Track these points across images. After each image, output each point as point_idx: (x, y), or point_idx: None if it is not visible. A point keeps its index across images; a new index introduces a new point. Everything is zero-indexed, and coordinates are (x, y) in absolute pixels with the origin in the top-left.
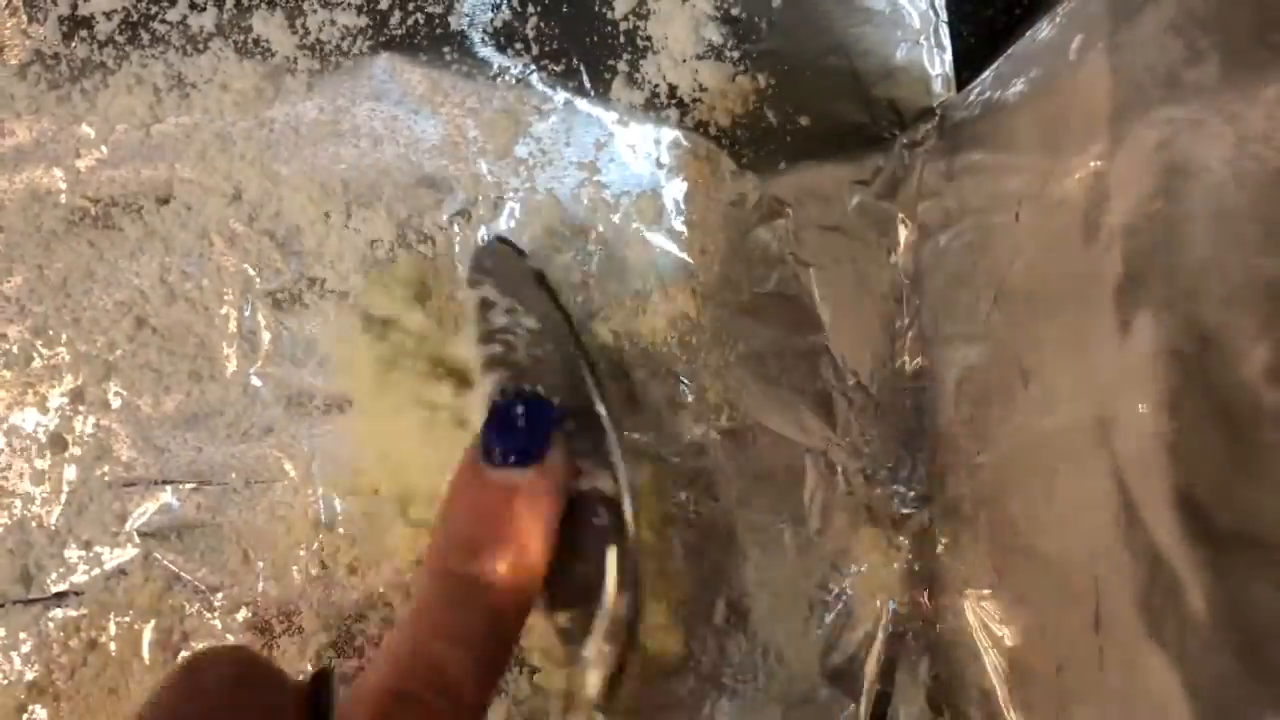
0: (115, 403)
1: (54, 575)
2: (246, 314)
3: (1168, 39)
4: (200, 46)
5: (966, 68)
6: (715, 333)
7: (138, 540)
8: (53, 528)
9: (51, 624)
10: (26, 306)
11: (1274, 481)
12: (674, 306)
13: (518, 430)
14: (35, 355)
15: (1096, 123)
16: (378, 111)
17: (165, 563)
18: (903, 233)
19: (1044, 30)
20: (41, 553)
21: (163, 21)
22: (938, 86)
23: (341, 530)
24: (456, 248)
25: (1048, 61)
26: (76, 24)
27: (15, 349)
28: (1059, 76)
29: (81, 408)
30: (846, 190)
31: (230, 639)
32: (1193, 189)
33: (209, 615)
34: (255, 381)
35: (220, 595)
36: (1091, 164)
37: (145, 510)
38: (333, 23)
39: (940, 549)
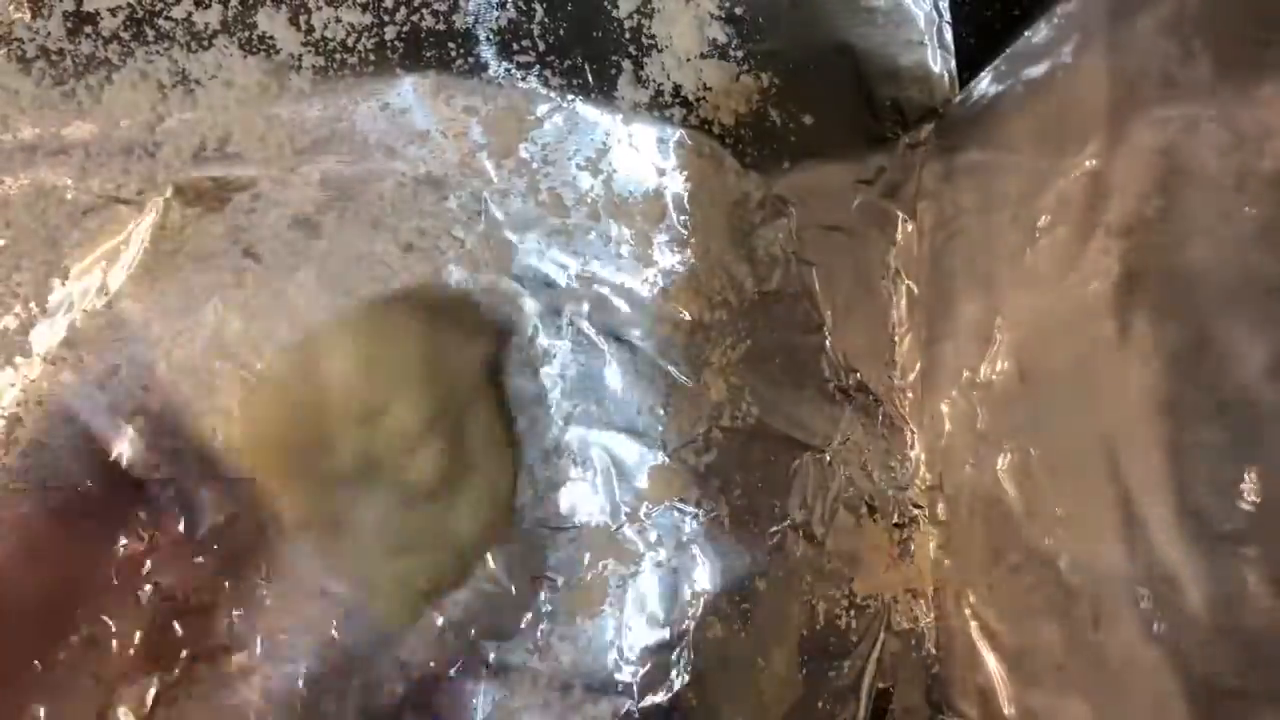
0: None
1: None
2: None
3: (1163, 40)
4: (205, 43)
5: (966, 68)
6: (718, 332)
7: None
8: None
9: None
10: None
11: (1273, 481)
12: (676, 305)
13: None
14: None
15: (1094, 123)
16: (382, 109)
17: None
18: (904, 232)
19: (1042, 31)
20: None
21: (167, 18)
22: (941, 87)
23: None
24: (458, 247)
25: (1046, 62)
26: (81, 20)
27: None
28: (1057, 77)
29: None
30: (849, 190)
31: None
32: (1190, 188)
33: None
34: None
35: None
36: (1089, 163)
37: None
38: (338, 20)
39: (939, 549)
